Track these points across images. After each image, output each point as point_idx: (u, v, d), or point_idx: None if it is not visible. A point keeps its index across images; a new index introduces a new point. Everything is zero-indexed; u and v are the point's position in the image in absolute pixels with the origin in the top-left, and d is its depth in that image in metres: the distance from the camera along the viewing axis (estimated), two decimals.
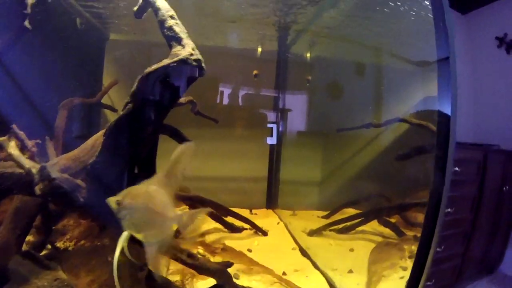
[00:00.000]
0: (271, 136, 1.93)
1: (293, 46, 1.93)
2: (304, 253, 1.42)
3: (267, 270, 1.11)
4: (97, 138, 0.98)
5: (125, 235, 0.68)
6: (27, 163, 0.75)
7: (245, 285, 0.92)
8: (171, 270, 0.97)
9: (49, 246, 0.95)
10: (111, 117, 1.58)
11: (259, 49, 1.83)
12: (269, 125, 1.97)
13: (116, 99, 1.66)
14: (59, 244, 0.89)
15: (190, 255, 0.87)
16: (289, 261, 1.28)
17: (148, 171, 1.01)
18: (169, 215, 0.66)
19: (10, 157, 0.79)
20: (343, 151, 2.08)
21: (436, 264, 2.07)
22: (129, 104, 0.74)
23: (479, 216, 2.00)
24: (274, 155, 2.04)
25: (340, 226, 1.66)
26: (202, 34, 1.19)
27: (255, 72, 1.78)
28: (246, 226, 1.54)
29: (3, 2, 1.09)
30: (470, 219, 2.01)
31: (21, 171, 0.73)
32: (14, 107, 1.06)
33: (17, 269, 0.73)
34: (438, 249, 1.96)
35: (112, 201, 0.67)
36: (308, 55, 1.88)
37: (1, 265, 0.72)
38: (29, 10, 1.02)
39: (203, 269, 0.83)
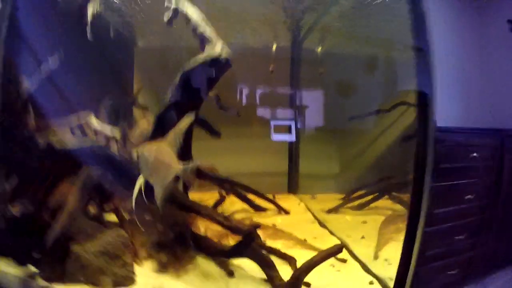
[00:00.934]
0: (290, 132, 2.19)
1: (305, 41, 2.18)
2: (322, 225, 1.74)
3: (290, 236, 1.41)
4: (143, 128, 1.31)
5: (141, 178, 0.95)
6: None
7: None
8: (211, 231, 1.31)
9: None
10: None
11: (274, 47, 2.09)
12: (287, 122, 2.24)
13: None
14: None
15: (226, 218, 1.17)
16: (309, 232, 1.57)
17: (186, 150, 1.32)
18: (172, 166, 0.91)
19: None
20: (357, 141, 2.33)
21: (458, 253, 2.22)
22: (175, 93, 1.05)
23: (499, 202, 2.06)
24: (293, 150, 2.32)
25: (356, 203, 1.96)
26: (220, 34, 1.45)
27: (271, 67, 2.04)
28: (270, 206, 1.85)
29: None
30: (492, 205, 2.13)
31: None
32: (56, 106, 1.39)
33: (86, 229, 1.02)
34: (460, 236, 2.16)
35: (134, 151, 0.98)
36: (319, 49, 2.13)
37: (68, 226, 1.00)
38: (89, 20, 1.33)
39: (235, 229, 1.09)
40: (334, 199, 2.09)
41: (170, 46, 2.03)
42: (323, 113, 2.27)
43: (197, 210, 1.11)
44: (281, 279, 1.00)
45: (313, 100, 2.35)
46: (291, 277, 0.97)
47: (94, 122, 1.10)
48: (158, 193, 0.91)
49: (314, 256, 1.00)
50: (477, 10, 2.86)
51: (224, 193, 1.73)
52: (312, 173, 2.25)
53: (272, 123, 2.21)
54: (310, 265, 0.97)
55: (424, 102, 1.15)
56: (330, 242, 1.42)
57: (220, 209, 1.63)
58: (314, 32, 2.08)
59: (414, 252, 1.19)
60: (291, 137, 2.30)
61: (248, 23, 1.94)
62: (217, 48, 1.04)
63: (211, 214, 1.11)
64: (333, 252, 1.00)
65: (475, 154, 1.89)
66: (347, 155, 2.36)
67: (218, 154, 1.73)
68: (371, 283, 1.10)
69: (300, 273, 0.96)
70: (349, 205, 1.97)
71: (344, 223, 1.78)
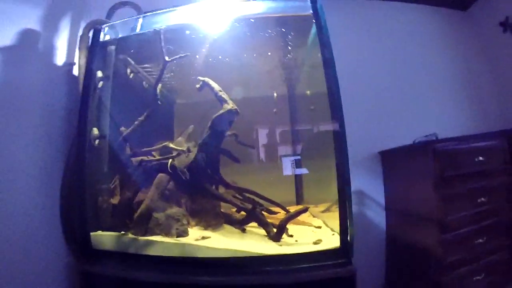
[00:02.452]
0: (293, 167, 2.74)
1: (297, 85, 3.06)
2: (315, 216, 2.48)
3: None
4: (187, 158, 2.29)
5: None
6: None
7: None
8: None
9: None
10: None
11: (275, 94, 2.98)
12: (291, 158, 2.80)
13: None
14: None
15: (241, 202, 2.08)
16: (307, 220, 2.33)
17: (215, 170, 2.27)
18: None
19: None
20: None
21: (481, 257, 2.34)
22: (208, 131, 2.03)
23: None
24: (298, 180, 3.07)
25: None
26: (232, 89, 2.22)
27: (275, 110, 2.94)
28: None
29: None
30: (508, 208, 2.43)
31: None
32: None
33: (160, 206, 1.92)
34: (480, 240, 2.32)
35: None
36: (308, 92, 2.96)
37: (152, 209, 1.95)
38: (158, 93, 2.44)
39: (244, 208, 2.06)
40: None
41: (198, 103, 2.97)
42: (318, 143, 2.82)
43: (223, 198, 2.06)
44: (273, 232, 1.86)
45: (308, 133, 3.10)
46: (277, 227, 1.84)
47: (171, 145, 2.12)
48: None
49: (290, 213, 1.91)
50: (468, 21, 3.57)
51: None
52: (313, 190, 2.97)
53: (283, 159, 2.80)
54: (288, 218, 1.83)
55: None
56: (315, 223, 2.26)
57: None
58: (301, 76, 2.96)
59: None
60: (303, 170, 2.91)
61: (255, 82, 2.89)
62: (230, 105, 2.00)
63: (231, 200, 2.04)
64: (302, 211, 1.87)
65: (480, 158, 2.34)
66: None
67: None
68: (333, 234, 1.91)
69: (282, 223, 1.82)
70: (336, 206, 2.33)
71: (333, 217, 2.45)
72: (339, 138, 1.72)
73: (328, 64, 1.79)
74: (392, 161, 3.04)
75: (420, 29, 3.53)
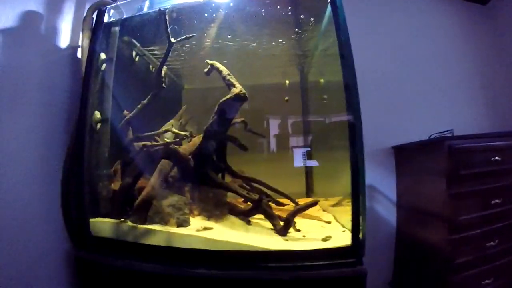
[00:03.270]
0: (304, 158, 2.56)
1: (308, 74, 2.92)
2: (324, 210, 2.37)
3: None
4: (191, 144, 2.15)
5: None
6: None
7: None
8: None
9: None
10: None
11: (287, 82, 2.86)
12: (302, 150, 2.67)
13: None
14: None
15: (247, 192, 1.93)
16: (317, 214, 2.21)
17: (221, 158, 2.13)
18: None
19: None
20: None
21: (491, 260, 2.22)
22: (214, 116, 1.88)
23: None
24: (309, 171, 2.95)
25: None
26: (242, 76, 2.03)
27: (286, 98, 2.77)
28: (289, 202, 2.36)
29: None
30: None
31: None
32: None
33: (161, 194, 1.82)
34: (492, 243, 2.18)
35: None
36: (321, 80, 2.75)
37: (152, 197, 1.83)
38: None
39: (250, 199, 1.89)
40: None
41: (206, 88, 2.89)
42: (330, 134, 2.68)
43: (228, 187, 1.90)
44: (280, 225, 1.72)
45: (321, 124, 2.92)
46: (284, 220, 1.70)
47: (173, 129, 1.98)
48: None
49: (299, 205, 1.74)
50: (488, 15, 3.33)
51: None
52: (324, 182, 2.82)
53: (295, 150, 2.77)
54: (295, 211, 1.69)
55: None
56: (325, 217, 2.13)
57: None
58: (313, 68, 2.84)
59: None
60: (314, 162, 2.78)
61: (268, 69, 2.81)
62: (237, 89, 1.85)
63: (236, 189, 1.88)
64: (311, 204, 1.71)
65: (497, 158, 2.20)
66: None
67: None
68: (343, 231, 1.77)
69: (289, 217, 1.68)
70: (348, 200, 2.33)
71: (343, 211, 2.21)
72: (355, 131, 1.59)
73: (344, 46, 1.63)
74: (406, 157, 2.89)
75: (437, 23, 3.34)
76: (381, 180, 2.97)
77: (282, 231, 1.66)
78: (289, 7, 2.12)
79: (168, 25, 1.82)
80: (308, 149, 2.73)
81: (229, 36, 2.27)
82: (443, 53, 3.26)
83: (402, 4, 3.37)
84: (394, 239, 2.88)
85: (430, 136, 2.65)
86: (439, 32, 3.30)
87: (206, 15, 2.13)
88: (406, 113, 3.10)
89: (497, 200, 2.23)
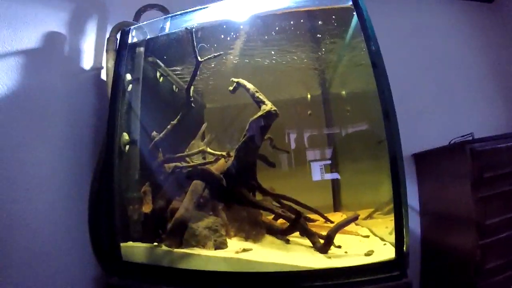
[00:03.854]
0: (322, 172, 2.62)
1: (331, 87, 2.88)
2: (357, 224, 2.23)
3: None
4: (222, 164, 2.08)
5: None
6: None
7: None
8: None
9: None
10: None
11: (309, 95, 2.84)
12: (326, 162, 2.70)
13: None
14: None
15: (282, 210, 1.86)
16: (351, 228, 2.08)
17: (253, 176, 2.06)
18: None
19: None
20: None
21: (506, 269, 2.18)
22: (245, 135, 1.82)
23: None
24: (336, 184, 2.87)
25: (385, 209, 2.12)
26: (265, 91, 2.22)
27: (309, 112, 2.76)
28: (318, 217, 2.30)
29: None
30: None
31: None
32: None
33: (196, 216, 1.74)
34: None
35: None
36: (343, 92, 2.74)
37: (187, 219, 1.77)
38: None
39: (286, 217, 1.84)
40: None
41: (226, 106, 2.93)
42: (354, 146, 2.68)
43: (263, 206, 1.84)
44: (320, 242, 1.65)
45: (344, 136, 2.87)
46: (325, 237, 1.62)
47: (208, 149, 1.93)
48: None
49: (340, 221, 1.67)
50: (495, 13, 3.35)
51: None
52: (352, 196, 2.75)
53: (314, 164, 2.70)
54: (337, 227, 1.62)
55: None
56: (361, 231, 2.06)
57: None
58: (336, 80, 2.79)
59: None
60: (334, 175, 2.82)
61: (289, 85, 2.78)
62: (268, 106, 1.83)
63: (272, 207, 1.82)
64: (352, 218, 1.65)
65: None
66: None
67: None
68: (384, 244, 1.70)
69: (331, 233, 1.60)
70: (379, 212, 2.23)
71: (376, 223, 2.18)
72: (394, 142, 1.54)
73: (376, 56, 1.59)
74: (427, 164, 2.85)
75: (448, 25, 3.34)
76: None
77: (324, 249, 1.59)
78: (311, 21, 2.08)
79: (195, 43, 1.77)
80: (328, 162, 2.69)
81: (252, 52, 2.24)
82: (456, 56, 3.25)
83: (412, 8, 3.38)
84: (420, 247, 2.81)
85: (451, 141, 2.59)
86: (449, 33, 3.30)
87: (227, 33, 2.09)
88: (423, 119, 3.07)
89: None
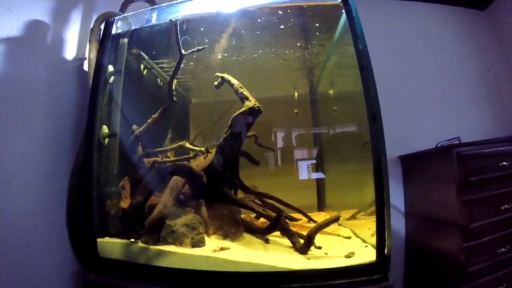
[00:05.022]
0: (309, 171, 2.56)
1: (318, 87, 2.82)
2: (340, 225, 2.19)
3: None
4: (203, 160, 2.01)
5: None
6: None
7: None
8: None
9: None
10: None
11: (296, 94, 2.79)
12: (307, 162, 2.63)
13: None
14: None
15: (263, 209, 1.79)
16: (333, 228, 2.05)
17: (234, 174, 2.00)
18: None
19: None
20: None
21: (503, 267, 2.17)
22: (228, 131, 1.77)
23: None
24: (320, 184, 2.81)
25: (369, 210, 2.07)
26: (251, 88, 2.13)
27: (296, 110, 2.70)
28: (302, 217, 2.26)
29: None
30: None
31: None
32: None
33: (174, 213, 1.68)
34: (503, 249, 2.14)
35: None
36: (331, 91, 2.70)
37: (165, 216, 1.67)
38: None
39: (266, 216, 1.79)
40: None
41: (213, 102, 2.87)
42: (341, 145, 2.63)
43: (243, 203, 1.78)
44: (300, 243, 1.59)
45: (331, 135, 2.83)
46: (305, 237, 1.57)
47: (187, 145, 1.86)
48: None
49: (320, 222, 1.61)
50: (487, 20, 3.31)
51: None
52: (336, 196, 2.71)
53: (300, 163, 2.65)
54: (317, 228, 1.57)
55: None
56: (343, 232, 2.00)
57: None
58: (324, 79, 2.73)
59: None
60: (320, 175, 2.76)
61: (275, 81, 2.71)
62: (251, 102, 1.77)
63: (252, 206, 1.75)
64: (333, 219, 1.59)
65: (504, 163, 2.16)
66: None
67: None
68: (365, 246, 1.65)
69: (311, 234, 1.55)
70: (363, 213, 2.24)
71: (359, 224, 2.15)
72: (378, 143, 1.49)
73: (363, 56, 1.54)
74: (413, 166, 2.84)
75: (439, 30, 3.31)
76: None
77: (303, 249, 1.54)
78: (300, 18, 2.02)
79: (179, 36, 1.70)
80: (314, 161, 2.63)
81: (239, 47, 2.17)
82: (445, 60, 3.22)
83: (403, 11, 3.33)
84: (404, 249, 2.79)
85: (437, 144, 2.59)
86: (440, 39, 3.27)
87: (214, 27, 2.03)
88: (411, 122, 3.04)
89: (506, 206, 2.18)
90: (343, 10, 1.67)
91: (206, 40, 2.00)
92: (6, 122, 1.42)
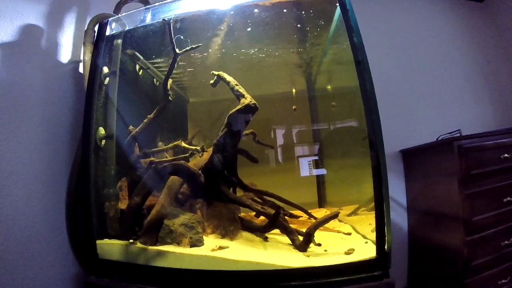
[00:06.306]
0: (310, 167, 2.54)
1: (316, 83, 2.78)
2: (340, 221, 2.17)
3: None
4: (201, 159, 1.99)
5: None
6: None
7: None
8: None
9: None
10: None
11: (294, 90, 2.76)
12: (308, 159, 2.60)
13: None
14: None
15: (262, 207, 1.77)
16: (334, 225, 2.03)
17: (232, 172, 1.97)
18: None
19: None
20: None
21: (507, 260, 2.16)
22: (224, 129, 1.75)
23: None
24: (321, 180, 2.77)
25: (370, 206, 2.04)
26: (249, 86, 1.95)
27: (294, 107, 2.67)
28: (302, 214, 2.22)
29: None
30: None
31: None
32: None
33: (172, 213, 1.67)
34: (506, 242, 2.13)
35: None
36: (329, 87, 2.66)
37: (163, 216, 1.66)
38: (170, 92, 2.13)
39: (265, 213, 1.75)
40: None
41: (211, 100, 2.84)
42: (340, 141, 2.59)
43: (241, 202, 1.75)
44: (299, 240, 1.56)
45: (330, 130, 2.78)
46: (304, 234, 1.55)
47: (183, 144, 1.84)
48: None
49: (319, 219, 1.59)
50: (486, 11, 3.29)
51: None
52: (337, 192, 2.70)
53: (301, 160, 2.62)
54: (316, 225, 1.55)
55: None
56: (343, 229, 1.96)
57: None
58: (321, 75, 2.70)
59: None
60: (324, 171, 2.71)
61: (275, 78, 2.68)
62: (247, 99, 1.75)
63: (250, 204, 1.73)
64: (332, 216, 1.56)
65: (506, 155, 2.15)
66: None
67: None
68: (366, 242, 1.62)
69: (310, 230, 1.53)
70: (363, 208, 2.22)
71: (360, 220, 2.12)
72: (376, 138, 1.47)
73: (359, 50, 1.51)
74: (414, 160, 2.80)
75: (437, 22, 3.28)
76: (390, 185, 2.82)
77: (303, 247, 1.51)
78: (295, 13, 1.99)
79: (172, 35, 1.67)
80: (314, 158, 2.60)
81: (235, 45, 2.14)
82: (444, 53, 3.19)
83: (402, 5, 3.29)
84: (407, 244, 2.77)
85: (438, 137, 2.57)
86: (439, 32, 3.24)
87: (209, 25, 2.00)
88: (411, 116, 3.01)
89: (509, 198, 2.16)
90: (337, 4, 1.63)
91: (205, 37, 1.97)
92: (3, 127, 1.41)
